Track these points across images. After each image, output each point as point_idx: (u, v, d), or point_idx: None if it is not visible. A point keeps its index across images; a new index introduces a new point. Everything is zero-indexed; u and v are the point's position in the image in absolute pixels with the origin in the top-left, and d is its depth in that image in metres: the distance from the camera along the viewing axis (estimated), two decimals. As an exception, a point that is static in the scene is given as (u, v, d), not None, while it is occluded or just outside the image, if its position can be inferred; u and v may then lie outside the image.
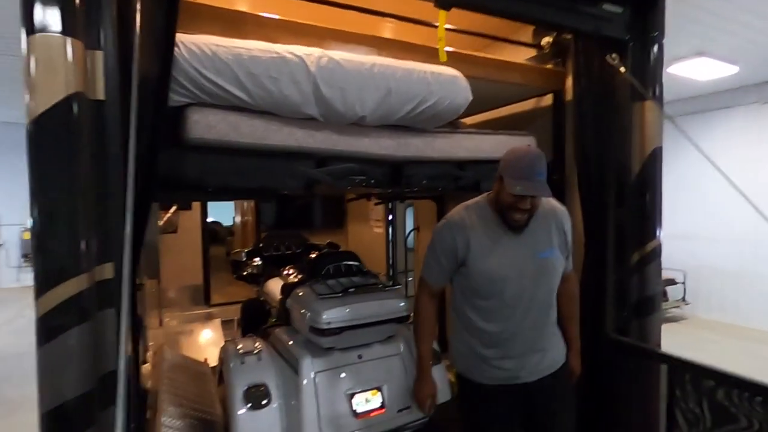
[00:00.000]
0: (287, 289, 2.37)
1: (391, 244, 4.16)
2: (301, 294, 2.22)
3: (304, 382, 1.90)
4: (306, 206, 5.11)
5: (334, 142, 1.65)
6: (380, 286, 2.23)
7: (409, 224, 4.11)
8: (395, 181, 1.84)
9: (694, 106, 6.44)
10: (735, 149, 6.08)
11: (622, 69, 1.93)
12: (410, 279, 4.01)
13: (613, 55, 1.94)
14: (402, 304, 2.19)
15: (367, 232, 4.52)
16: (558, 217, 1.72)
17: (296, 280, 2.45)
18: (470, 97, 1.71)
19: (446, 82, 1.65)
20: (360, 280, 2.32)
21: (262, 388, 1.90)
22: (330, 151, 1.66)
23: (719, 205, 5.89)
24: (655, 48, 1.98)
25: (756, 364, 4.32)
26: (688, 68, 5.67)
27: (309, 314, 1.99)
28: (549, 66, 2.36)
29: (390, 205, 4.20)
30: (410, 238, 4.07)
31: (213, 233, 5.43)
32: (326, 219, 5.20)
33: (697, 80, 5.61)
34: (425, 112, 1.64)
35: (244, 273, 3.29)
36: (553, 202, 1.72)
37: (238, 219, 5.91)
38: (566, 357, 1.79)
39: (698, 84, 5.74)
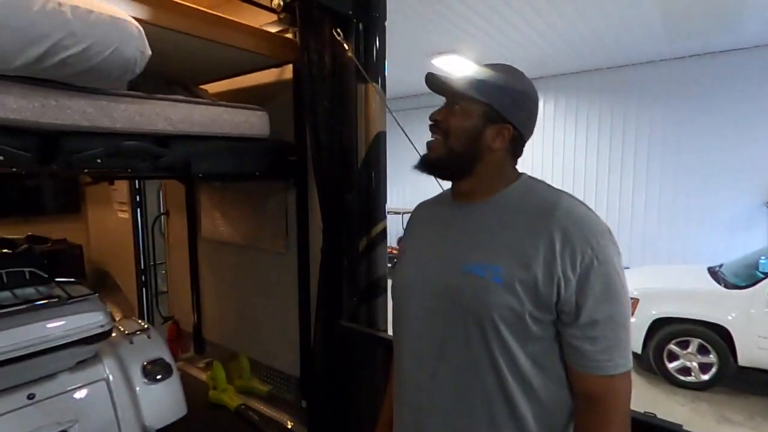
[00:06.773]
0: None
1: (141, 231, 3.47)
2: None
3: None
4: (34, 189, 3.92)
5: None
6: (60, 299, 1.67)
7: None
8: (47, 158, 1.33)
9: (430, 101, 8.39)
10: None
11: (346, 45, 1.83)
12: (163, 272, 3.41)
13: (338, 30, 1.83)
14: (97, 318, 1.70)
15: (111, 217, 3.67)
16: (550, 222, 0.89)
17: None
18: (147, 51, 1.31)
19: (100, 24, 1.20)
20: (33, 293, 1.72)
21: None
22: None
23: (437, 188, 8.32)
24: (379, 31, 1.95)
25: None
26: (446, 63, 6.48)
27: None
28: (289, 35, 2.14)
29: (138, 184, 3.47)
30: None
31: None
32: (59, 203, 4.09)
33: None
34: (70, 62, 1.17)
35: None
36: (553, 198, 0.94)
37: None
38: None
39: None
